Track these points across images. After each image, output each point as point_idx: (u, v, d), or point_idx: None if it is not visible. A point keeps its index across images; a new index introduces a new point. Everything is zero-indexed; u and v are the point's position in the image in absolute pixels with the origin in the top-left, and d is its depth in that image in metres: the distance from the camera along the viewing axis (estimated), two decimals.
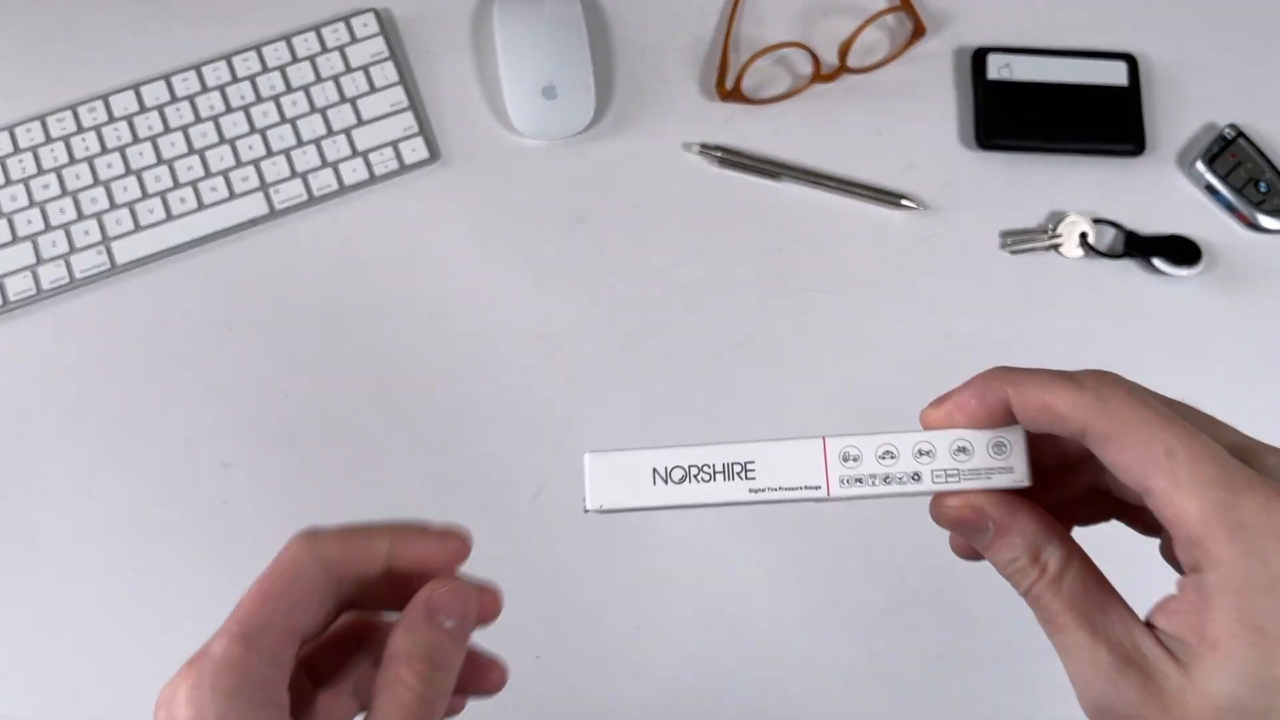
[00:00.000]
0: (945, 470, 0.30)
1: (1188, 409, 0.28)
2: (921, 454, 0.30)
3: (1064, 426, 0.27)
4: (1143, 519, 0.29)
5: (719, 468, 0.31)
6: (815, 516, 0.56)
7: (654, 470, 0.31)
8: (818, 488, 0.30)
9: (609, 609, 0.57)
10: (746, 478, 0.31)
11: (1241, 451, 0.26)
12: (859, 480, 0.30)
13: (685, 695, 0.56)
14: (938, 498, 0.30)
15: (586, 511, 0.31)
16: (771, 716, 0.55)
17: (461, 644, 0.31)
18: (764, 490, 0.30)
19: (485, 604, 0.32)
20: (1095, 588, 0.28)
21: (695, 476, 0.31)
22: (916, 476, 0.30)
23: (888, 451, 0.30)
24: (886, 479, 0.30)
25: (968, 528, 0.30)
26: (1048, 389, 0.27)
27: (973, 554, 0.31)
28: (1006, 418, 0.29)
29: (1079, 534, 0.30)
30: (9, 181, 0.63)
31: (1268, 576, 0.24)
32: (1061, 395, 0.27)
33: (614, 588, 0.57)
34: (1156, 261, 0.62)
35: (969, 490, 0.29)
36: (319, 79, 0.65)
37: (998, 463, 0.30)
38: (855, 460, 0.30)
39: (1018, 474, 0.29)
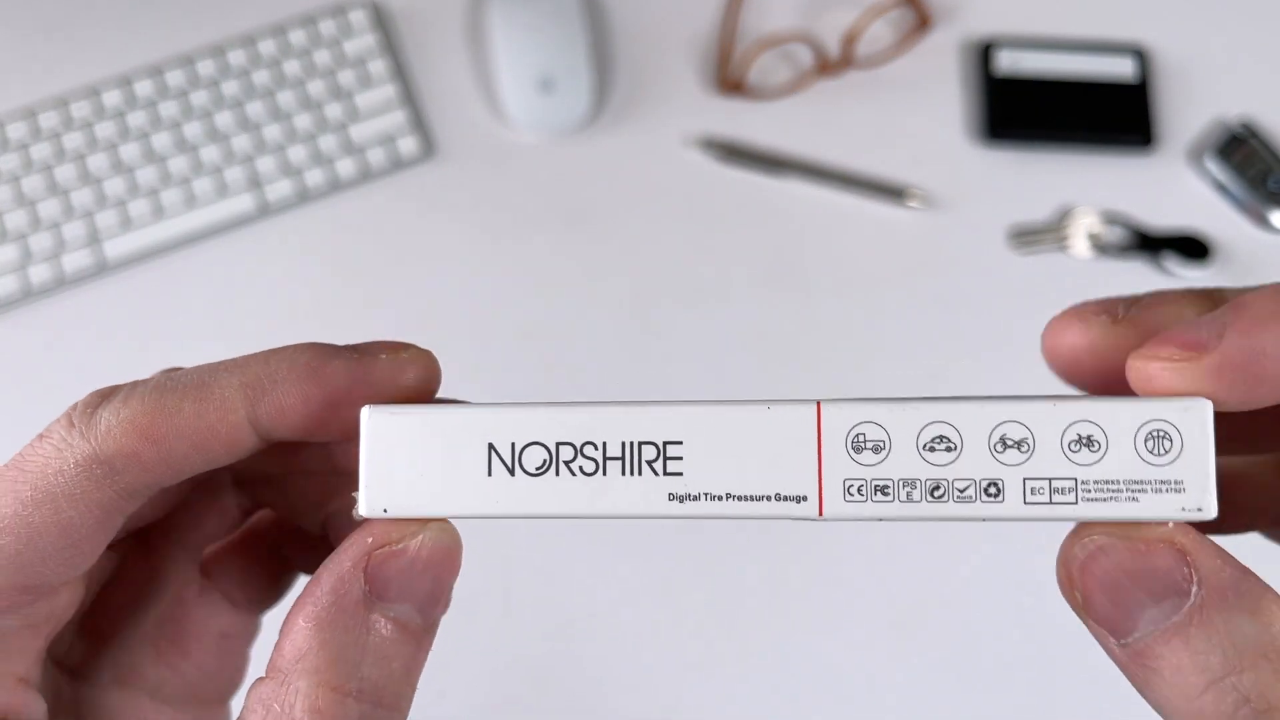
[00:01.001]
0: (1056, 481, 0.17)
1: None
2: (1008, 445, 0.17)
3: None
4: None
5: (614, 450, 0.17)
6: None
7: (491, 448, 0.18)
8: (802, 499, 0.17)
9: (610, 613, 0.56)
10: (666, 472, 0.17)
11: None
12: (882, 490, 0.17)
13: (689, 703, 0.55)
14: (1079, 531, 0.17)
15: (356, 516, 0.18)
16: None
17: (424, 648, 0.18)
18: (696, 498, 0.17)
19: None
20: None
21: (568, 464, 0.18)
22: (996, 490, 0.17)
23: (940, 437, 0.17)
24: (938, 491, 0.17)
25: (1147, 593, 0.15)
26: None
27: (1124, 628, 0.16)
28: (1251, 391, 0.16)
29: None
30: None
31: None
32: None
33: (614, 591, 0.56)
34: (1166, 259, 0.61)
35: (1129, 520, 0.16)
36: (312, 73, 0.64)
37: (1156, 470, 0.17)
38: (876, 450, 0.17)
39: (1196, 495, 0.16)
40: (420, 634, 0.17)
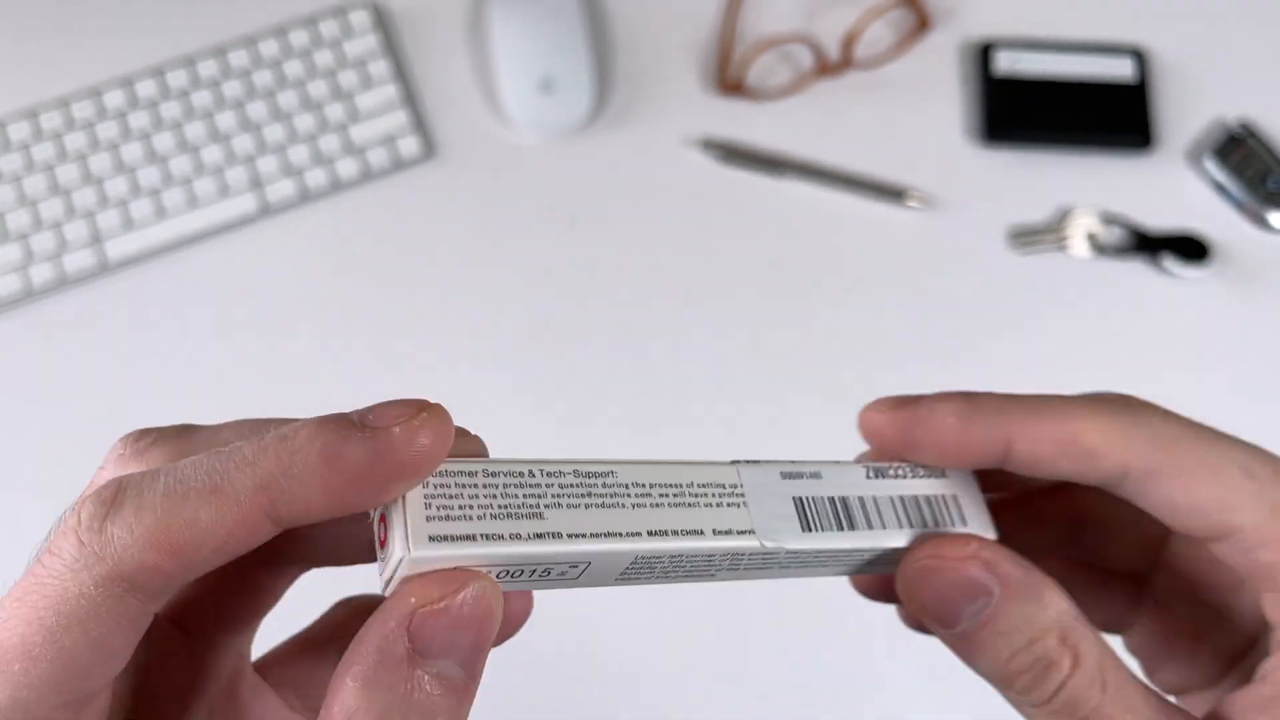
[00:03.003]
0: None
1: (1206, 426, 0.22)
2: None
3: (1094, 468, 0.20)
4: (1118, 596, 0.24)
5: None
6: None
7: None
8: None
9: (610, 615, 0.56)
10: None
11: None
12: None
13: (697, 705, 0.55)
14: (908, 555, 0.22)
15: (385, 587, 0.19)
16: None
17: (467, 701, 0.18)
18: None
19: (512, 609, 0.20)
20: (1145, 688, 0.20)
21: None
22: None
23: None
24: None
25: (964, 596, 0.21)
26: (1068, 417, 0.20)
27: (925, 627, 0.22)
28: (993, 460, 0.21)
29: None
30: None
31: None
32: (1089, 425, 0.20)
33: (616, 593, 0.56)
34: (1165, 259, 0.61)
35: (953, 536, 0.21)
36: (313, 74, 0.64)
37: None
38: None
39: (973, 527, 0.22)
40: (464, 688, 0.18)
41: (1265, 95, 0.65)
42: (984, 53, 0.65)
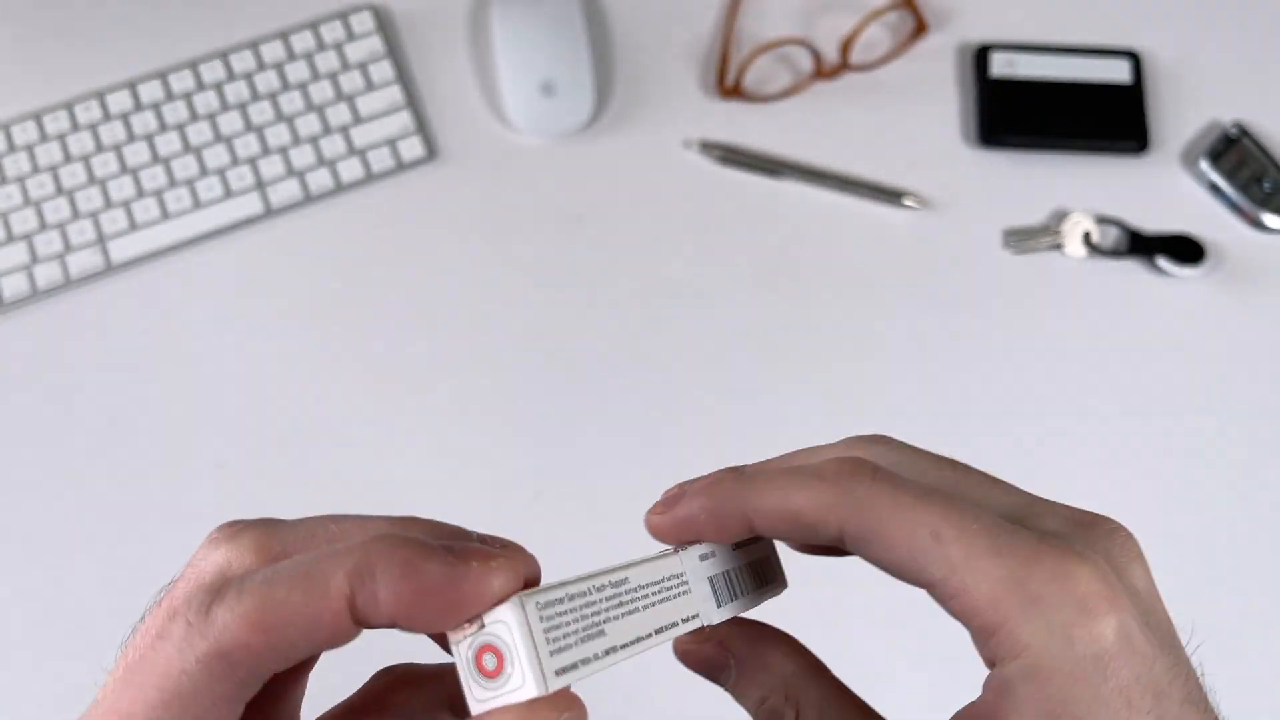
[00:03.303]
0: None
1: (958, 471, 0.24)
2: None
3: (818, 533, 0.23)
4: None
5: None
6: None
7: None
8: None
9: None
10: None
11: (1019, 514, 0.22)
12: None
13: (690, 709, 0.55)
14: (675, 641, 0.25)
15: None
16: None
17: None
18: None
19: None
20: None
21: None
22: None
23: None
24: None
25: (712, 668, 0.25)
26: (787, 494, 0.23)
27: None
28: (747, 531, 0.24)
29: None
30: (4, 180, 0.63)
31: (1073, 657, 0.20)
32: (804, 498, 0.22)
33: None
34: (1160, 261, 0.61)
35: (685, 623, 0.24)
36: (316, 76, 0.65)
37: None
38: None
39: (700, 609, 0.25)
40: None
41: (1260, 97, 0.65)
42: (980, 55, 0.65)
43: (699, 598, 0.25)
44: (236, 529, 0.23)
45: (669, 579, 0.25)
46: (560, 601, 0.21)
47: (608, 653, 0.21)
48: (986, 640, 0.21)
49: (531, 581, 0.22)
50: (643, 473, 0.59)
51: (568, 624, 0.21)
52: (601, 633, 0.22)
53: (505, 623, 0.20)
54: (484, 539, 0.23)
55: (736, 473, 0.25)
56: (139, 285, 0.62)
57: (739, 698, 0.25)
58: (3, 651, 0.56)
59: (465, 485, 0.58)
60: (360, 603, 0.19)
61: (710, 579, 0.25)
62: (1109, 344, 0.61)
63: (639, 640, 0.23)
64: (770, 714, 0.24)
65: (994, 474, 0.24)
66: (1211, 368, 0.60)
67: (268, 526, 0.23)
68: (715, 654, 0.25)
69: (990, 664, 0.21)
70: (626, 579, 0.24)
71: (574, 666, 0.20)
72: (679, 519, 0.25)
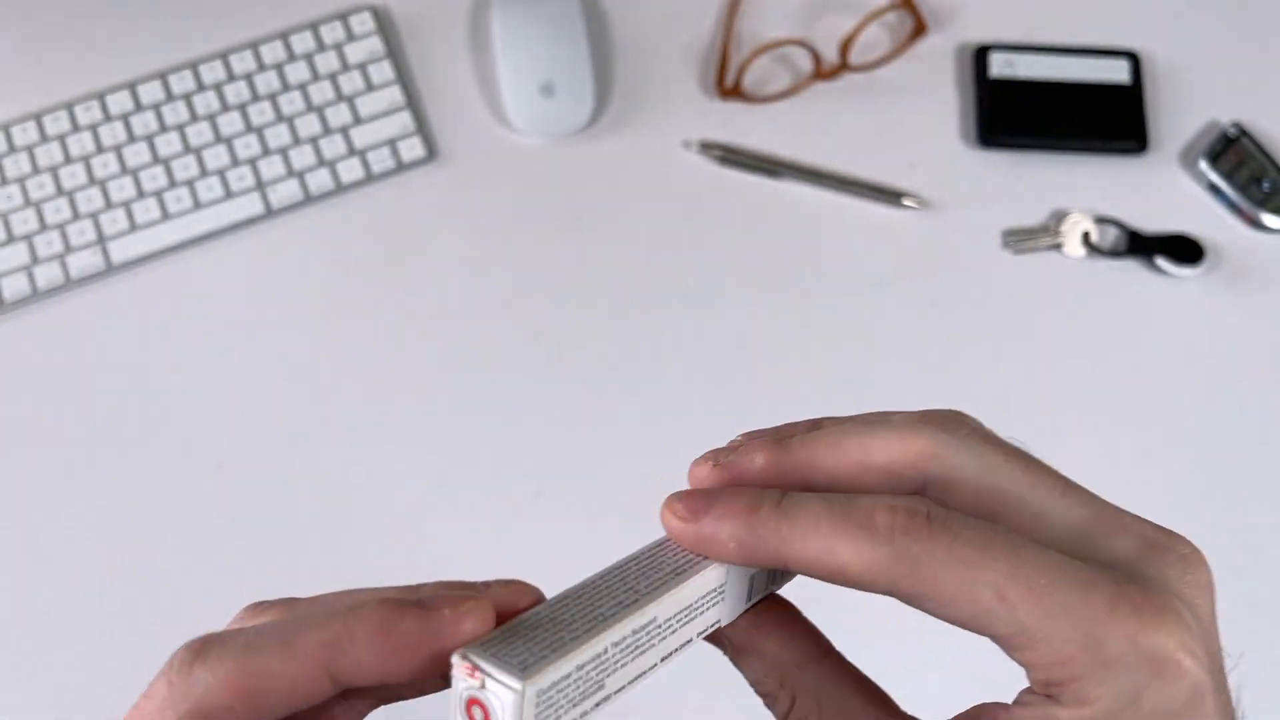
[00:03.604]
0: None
1: (1030, 473, 0.22)
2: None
3: (865, 588, 0.21)
4: None
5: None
6: None
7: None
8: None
9: None
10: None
11: (1089, 533, 0.21)
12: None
13: (691, 704, 0.55)
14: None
15: None
16: None
17: None
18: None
19: None
20: (861, 706, 0.23)
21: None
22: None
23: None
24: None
25: (712, 643, 0.25)
26: (831, 546, 0.21)
27: None
28: (779, 565, 0.23)
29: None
30: (4, 181, 0.63)
31: (1140, 716, 0.19)
32: (850, 553, 0.21)
33: None
34: (1159, 261, 0.61)
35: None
36: (316, 77, 0.65)
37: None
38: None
39: (723, 613, 0.24)
40: None
41: (1259, 98, 0.65)
42: (980, 56, 0.65)
43: (729, 602, 0.24)
44: (261, 608, 0.23)
45: (708, 595, 0.23)
46: (567, 678, 0.21)
47: (599, 704, 0.22)
48: (1049, 685, 0.20)
49: (528, 606, 0.23)
50: (642, 472, 0.59)
51: (568, 694, 0.21)
52: (601, 686, 0.21)
53: (500, 698, 0.20)
54: (487, 585, 0.24)
55: (774, 500, 0.22)
56: (139, 286, 0.62)
57: (739, 670, 0.25)
58: (2, 651, 0.56)
59: (465, 485, 0.58)
60: (341, 668, 0.20)
61: (751, 578, 0.24)
62: (1108, 344, 0.61)
63: (640, 676, 0.22)
64: (767, 695, 0.24)
65: (1064, 475, 0.23)
66: (1211, 368, 0.60)
67: (290, 603, 0.24)
68: (720, 637, 0.25)
69: (1041, 689, 0.20)
70: (655, 618, 0.22)
71: (543, 673, 0.20)
72: (704, 537, 0.23)
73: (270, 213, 0.63)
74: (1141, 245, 0.62)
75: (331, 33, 0.66)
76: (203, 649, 0.21)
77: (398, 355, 0.61)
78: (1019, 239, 0.62)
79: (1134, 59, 0.65)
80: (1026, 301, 0.62)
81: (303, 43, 0.65)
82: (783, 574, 0.25)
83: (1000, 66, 0.65)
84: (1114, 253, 0.62)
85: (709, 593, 0.23)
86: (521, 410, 0.60)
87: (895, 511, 0.21)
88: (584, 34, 0.65)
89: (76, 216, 0.62)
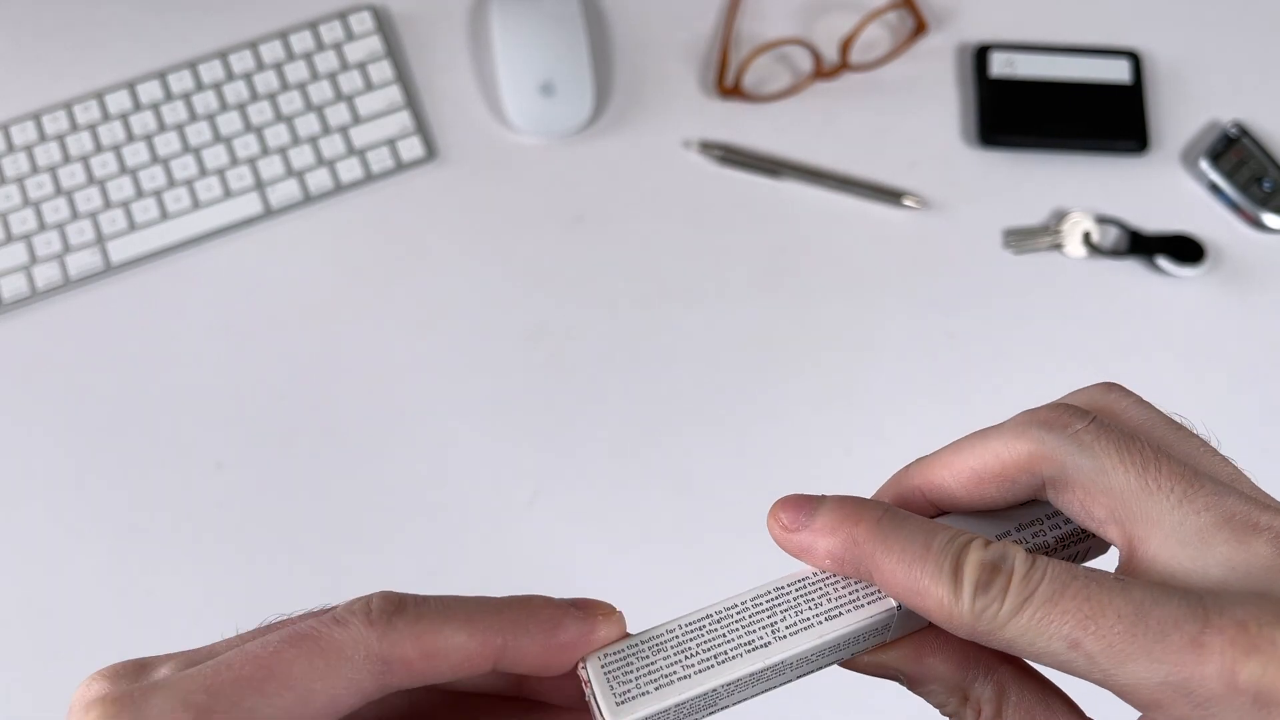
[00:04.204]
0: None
1: (1139, 463, 0.21)
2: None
3: (949, 630, 0.22)
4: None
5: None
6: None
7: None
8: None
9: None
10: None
11: (1205, 546, 0.20)
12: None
13: None
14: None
15: None
16: None
17: None
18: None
19: None
20: (1045, 716, 0.23)
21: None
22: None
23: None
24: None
25: (885, 678, 0.25)
26: (918, 588, 0.21)
27: None
28: (873, 585, 0.23)
29: None
30: (3, 180, 0.63)
31: None
32: (935, 606, 0.21)
33: (617, 594, 0.56)
34: (1160, 260, 0.61)
35: (845, 639, 0.23)
36: (315, 77, 0.65)
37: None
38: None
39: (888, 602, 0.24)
40: None
41: (1260, 97, 0.65)
42: (980, 55, 0.65)
43: (869, 640, 0.24)
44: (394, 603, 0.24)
45: (851, 637, 0.23)
46: (665, 712, 0.22)
47: (708, 713, 0.23)
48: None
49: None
50: (642, 472, 0.59)
51: (639, 674, 0.23)
52: (712, 705, 0.23)
53: (587, 671, 0.23)
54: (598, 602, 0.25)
55: (875, 518, 0.23)
56: (138, 285, 0.62)
57: (925, 700, 0.25)
58: (2, 651, 0.56)
59: (465, 484, 0.58)
60: (509, 651, 0.22)
61: (895, 621, 0.24)
62: (1109, 344, 0.61)
63: (757, 695, 0.24)
64: (953, 717, 0.24)
65: (1202, 469, 0.22)
66: (1211, 367, 0.60)
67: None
68: (881, 673, 0.25)
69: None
70: (783, 660, 0.23)
71: (635, 713, 0.22)
72: (802, 548, 0.24)
73: (269, 213, 0.63)
74: (1142, 245, 0.62)
75: (331, 32, 0.66)
76: (402, 604, 0.22)
77: (397, 355, 0.61)
78: (1019, 239, 0.62)
79: (1134, 59, 0.65)
80: (1026, 301, 0.62)
81: (302, 42, 0.65)
82: None
83: (1000, 66, 0.65)
84: (1115, 253, 0.62)
85: (853, 635, 0.24)
86: (521, 410, 0.60)
87: (981, 567, 0.21)
88: (584, 34, 0.65)
89: (75, 216, 0.62)
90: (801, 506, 0.24)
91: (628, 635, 0.24)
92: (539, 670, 0.23)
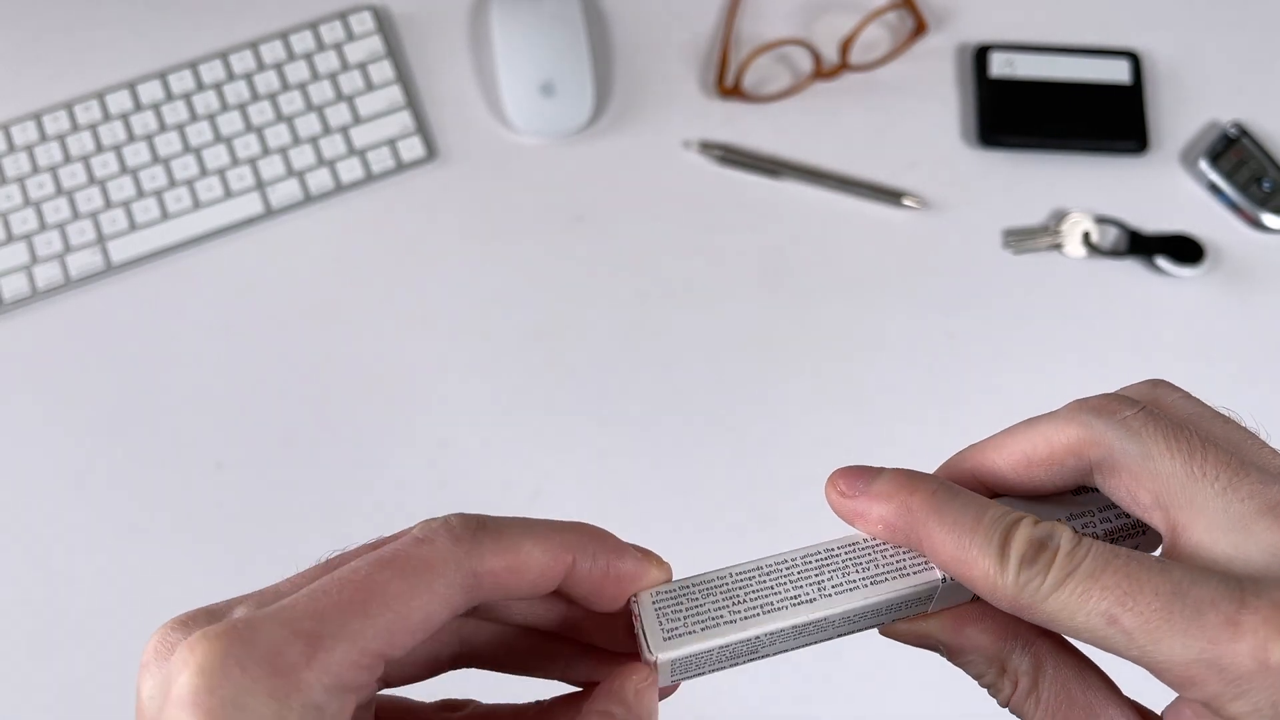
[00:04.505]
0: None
1: (1185, 450, 0.22)
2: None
3: (990, 602, 0.23)
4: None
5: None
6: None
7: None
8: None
9: None
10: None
11: (1247, 533, 0.21)
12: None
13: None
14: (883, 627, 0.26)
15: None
16: None
17: None
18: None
19: None
20: (1081, 690, 0.24)
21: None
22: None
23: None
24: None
25: (924, 648, 0.26)
26: (965, 558, 0.22)
27: None
28: (921, 553, 0.24)
29: None
30: (4, 180, 0.63)
31: None
32: (981, 575, 0.22)
33: None
34: (1160, 260, 0.61)
35: (890, 604, 0.24)
36: (315, 77, 0.65)
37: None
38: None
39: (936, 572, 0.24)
40: None
41: (1260, 97, 0.65)
42: (980, 55, 0.65)
43: (909, 608, 0.25)
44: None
45: (895, 604, 0.24)
46: (709, 652, 0.23)
47: (750, 660, 0.24)
48: (1202, 702, 0.20)
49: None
50: (642, 471, 0.59)
51: (711, 659, 0.24)
52: (754, 651, 0.24)
53: (638, 605, 0.24)
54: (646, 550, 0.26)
55: (930, 489, 0.23)
56: (139, 285, 0.62)
57: (964, 670, 0.25)
58: (2, 651, 0.56)
59: (465, 484, 0.58)
60: (576, 573, 0.23)
61: (940, 591, 0.25)
62: (1109, 344, 0.61)
63: (798, 648, 0.24)
64: (991, 687, 0.25)
65: (1249, 457, 0.22)
66: (1211, 368, 0.60)
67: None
68: (921, 643, 0.26)
69: (1202, 704, 0.21)
70: (826, 616, 0.24)
71: (681, 649, 0.23)
72: (856, 513, 0.24)
73: (270, 212, 0.63)
74: (1142, 245, 0.62)
75: (331, 32, 0.66)
76: (483, 523, 0.23)
77: (397, 355, 0.61)
78: (1019, 239, 0.62)
79: (1134, 59, 0.65)
80: (1026, 301, 0.62)
81: (302, 42, 0.65)
82: None
83: (1000, 66, 0.65)
84: (1114, 253, 0.62)
85: (896, 601, 0.24)
86: (521, 410, 0.60)
87: (1029, 542, 0.22)
88: (584, 34, 0.65)
89: (76, 216, 0.62)
90: (860, 475, 0.25)
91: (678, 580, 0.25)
92: (594, 597, 0.24)
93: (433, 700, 0.26)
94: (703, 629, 0.23)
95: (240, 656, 0.19)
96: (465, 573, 0.22)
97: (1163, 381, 0.24)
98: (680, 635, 0.23)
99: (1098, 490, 0.24)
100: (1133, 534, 0.25)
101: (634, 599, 0.24)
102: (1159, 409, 0.23)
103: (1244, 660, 0.19)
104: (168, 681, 0.20)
